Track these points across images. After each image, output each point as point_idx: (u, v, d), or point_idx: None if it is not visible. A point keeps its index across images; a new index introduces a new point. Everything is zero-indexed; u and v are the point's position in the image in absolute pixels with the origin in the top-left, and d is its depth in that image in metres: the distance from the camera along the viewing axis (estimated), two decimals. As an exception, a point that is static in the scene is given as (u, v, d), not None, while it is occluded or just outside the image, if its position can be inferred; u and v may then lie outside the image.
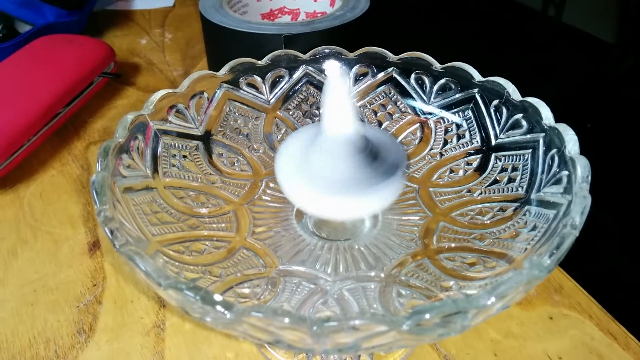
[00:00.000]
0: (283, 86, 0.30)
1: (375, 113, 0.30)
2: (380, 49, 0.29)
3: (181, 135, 0.27)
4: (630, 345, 0.26)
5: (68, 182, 0.37)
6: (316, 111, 0.31)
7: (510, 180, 0.25)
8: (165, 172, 0.26)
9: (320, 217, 0.25)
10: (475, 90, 0.27)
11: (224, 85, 0.28)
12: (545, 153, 0.23)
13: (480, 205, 0.26)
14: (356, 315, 0.15)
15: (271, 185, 0.28)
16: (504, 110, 0.26)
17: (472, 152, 0.27)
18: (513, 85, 0.25)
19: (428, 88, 0.28)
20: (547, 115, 0.23)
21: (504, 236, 0.23)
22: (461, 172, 0.27)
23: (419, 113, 0.29)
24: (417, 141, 0.29)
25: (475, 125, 0.27)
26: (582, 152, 0.21)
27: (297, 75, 0.30)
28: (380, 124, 0.30)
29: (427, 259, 0.24)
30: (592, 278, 0.30)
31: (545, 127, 0.23)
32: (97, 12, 0.62)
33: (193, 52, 0.55)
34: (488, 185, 0.26)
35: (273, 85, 0.30)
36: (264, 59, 0.29)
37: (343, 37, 0.37)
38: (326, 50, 0.29)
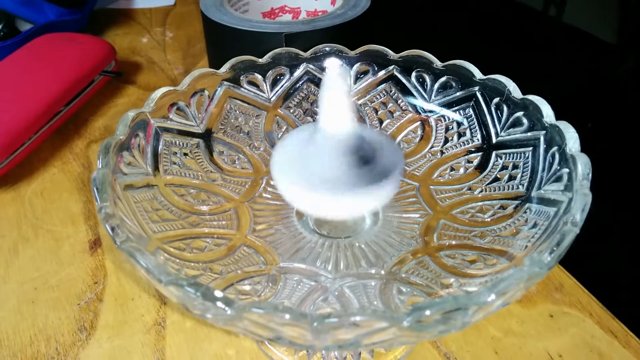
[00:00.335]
0: (284, 84, 0.30)
1: (376, 111, 0.30)
2: (381, 47, 0.29)
3: (182, 133, 0.27)
4: (630, 343, 0.26)
5: (69, 180, 0.37)
6: (317, 109, 0.31)
7: (511, 178, 0.25)
8: (166, 170, 0.26)
9: (318, 216, 0.25)
10: (476, 88, 0.27)
11: (225, 83, 0.28)
12: (546, 151, 0.23)
13: (480, 203, 0.26)
14: (357, 311, 0.15)
15: (272, 183, 0.28)
16: (505, 108, 0.26)
17: (472, 150, 0.27)
18: (514, 83, 0.25)
19: (429, 86, 0.28)
20: (547, 113, 0.23)
21: (505, 234, 0.23)
22: (462, 170, 0.27)
23: (420, 111, 0.29)
24: (417, 139, 0.29)
25: (476, 123, 0.27)
26: (583, 151, 0.21)
27: (298, 73, 0.30)
28: (381, 122, 0.30)
29: (428, 256, 0.24)
30: (592, 276, 0.30)
31: (546, 124, 0.23)
32: (98, 10, 0.62)
33: (194, 51, 0.55)
34: (489, 183, 0.26)
35: (274, 83, 0.30)
36: (265, 56, 0.29)
37: (344, 35, 0.37)
38: (327, 48, 0.29)
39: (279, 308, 0.15)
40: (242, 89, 0.29)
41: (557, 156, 0.22)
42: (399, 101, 0.29)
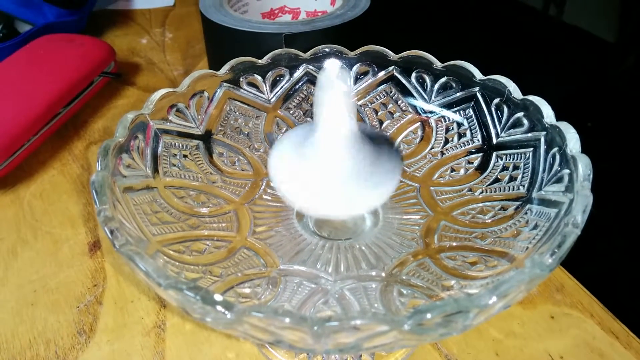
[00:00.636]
0: (284, 85, 0.30)
1: (376, 112, 0.30)
2: (381, 47, 0.29)
3: (181, 135, 0.27)
4: (632, 344, 0.26)
5: (68, 182, 0.37)
6: (315, 111, 0.31)
7: (512, 178, 0.25)
8: (166, 172, 0.26)
9: (317, 216, 0.25)
10: (476, 88, 0.27)
11: (225, 84, 0.28)
12: (547, 151, 0.23)
13: (481, 204, 0.25)
14: (357, 315, 0.15)
15: (272, 184, 0.28)
16: (505, 109, 0.26)
17: (473, 150, 0.27)
18: (514, 84, 0.25)
19: (429, 87, 0.28)
20: (548, 114, 0.23)
21: (505, 235, 0.23)
22: (462, 171, 0.27)
23: (420, 112, 0.29)
24: (418, 140, 0.29)
25: (476, 124, 0.27)
26: (583, 151, 0.21)
27: (297, 74, 0.30)
28: (381, 122, 0.30)
29: (428, 258, 0.24)
30: (593, 277, 0.30)
31: (547, 125, 0.23)
32: (97, 11, 0.62)
33: (193, 52, 0.55)
34: (489, 184, 0.26)
35: (274, 85, 0.30)
36: (265, 58, 0.29)
37: (344, 36, 0.37)
38: (327, 49, 0.29)
39: (279, 312, 0.15)
40: (242, 90, 0.29)
41: (557, 157, 0.22)
42: (399, 102, 0.29)
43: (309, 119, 0.30)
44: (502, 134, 0.26)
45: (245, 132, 0.29)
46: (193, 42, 0.57)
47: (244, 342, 0.26)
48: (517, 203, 0.24)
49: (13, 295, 0.29)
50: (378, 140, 0.22)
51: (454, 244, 0.24)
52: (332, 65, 0.19)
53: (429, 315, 0.15)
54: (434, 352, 0.26)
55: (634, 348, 0.26)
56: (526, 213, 0.23)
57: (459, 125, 0.28)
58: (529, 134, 0.24)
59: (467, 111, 0.27)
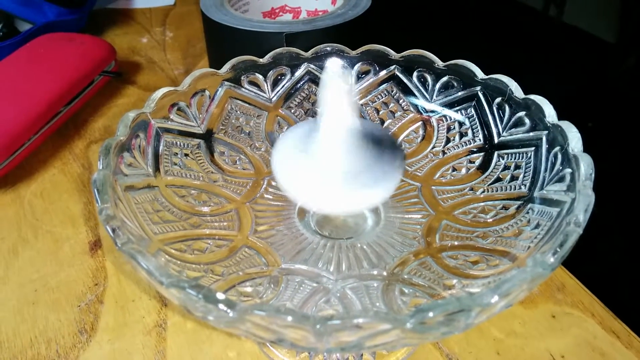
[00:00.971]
0: (285, 84, 0.30)
1: (378, 111, 0.30)
2: (382, 46, 0.29)
3: (183, 134, 0.27)
4: (633, 344, 0.26)
5: (69, 181, 0.37)
6: (318, 109, 0.30)
7: (513, 178, 0.25)
8: (167, 171, 0.26)
9: (320, 211, 0.25)
10: (478, 88, 0.27)
11: (226, 83, 0.28)
12: (548, 151, 0.23)
13: (482, 204, 0.25)
14: (359, 313, 0.15)
15: (273, 183, 0.28)
16: (507, 108, 0.26)
17: (474, 150, 0.27)
18: (515, 83, 0.25)
19: (430, 86, 0.28)
20: (550, 113, 0.23)
21: (507, 234, 0.23)
22: (464, 170, 0.27)
23: (422, 111, 0.29)
24: (419, 139, 0.29)
25: (477, 123, 0.27)
26: (584, 151, 0.21)
27: (298, 73, 0.29)
28: (382, 122, 0.30)
29: (430, 257, 0.24)
30: (594, 276, 0.30)
31: (548, 124, 0.23)
32: (98, 10, 0.62)
33: (194, 51, 0.55)
34: (491, 184, 0.26)
35: (275, 84, 0.29)
36: (266, 56, 0.29)
37: (345, 35, 0.37)
38: (328, 48, 0.29)
39: (281, 310, 0.15)
40: (243, 89, 0.29)
41: (559, 156, 0.22)
42: (401, 101, 0.29)
43: (310, 118, 0.30)
44: (504, 133, 0.26)
45: (246, 131, 0.29)
46: (193, 41, 0.57)
47: (245, 340, 0.26)
48: (519, 202, 0.24)
49: (14, 294, 0.29)
50: (381, 138, 0.22)
51: (456, 243, 0.24)
52: (335, 64, 0.19)
53: (431, 314, 0.15)
54: (435, 351, 0.26)
55: (635, 347, 0.26)
56: (528, 212, 0.23)
57: (461, 124, 0.28)
58: (531, 133, 0.24)
59: (468, 110, 0.27)
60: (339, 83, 0.19)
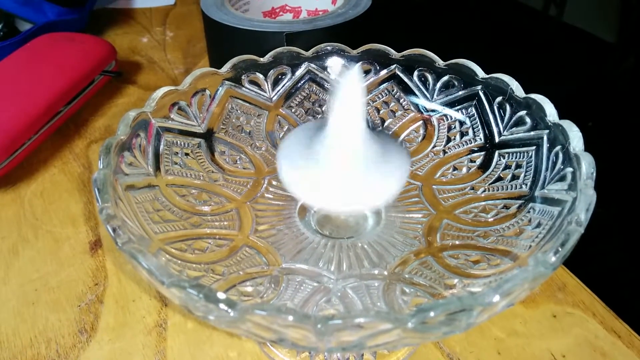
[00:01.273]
0: (285, 84, 0.30)
1: (378, 110, 0.30)
2: (383, 46, 0.29)
3: (183, 133, 0.27)
4: (634, 343, 0.26)
5: (69, 180, 0.37)
6: (318, 109, 0.31)
7: (514, 177, 0.25)
8: (168, 170, 0.26)
9: (323, 210, 0.25)
10: (479, 87, 0.27)
11: (226, 82, 0.28)
12: (550, 150, 0.23)
13: (483, 203, 0.25)
14: (361, 313, 0.15)
15: (274, 183, 0.28)
16: (508, 107, 0.26)
17: (475, 149, 0.27)
18: (516, 82, 0.25)
19: (431, 85, 0.28)
20: (551, 112, 0.23)
21: (508, 233, 0.23)
22: (464, 170, 0.27)
23: (422, 110, 0.29)
24: (420, 139, 0.29)
25: (478, 123, 0.27)
26: (584, 150, 0.21)
27: (299, 72, 0.29)
28: (383, 121, 0.30)
29: (431, 256, 0.24)
30: (595, 276, 0.30)
31: (549, 123, 0.23)
32: (98, 10, 0.62)
33: (194, 51, 0.55)
34: (492, 183, 0.26)
35: (275, 83, 0.29)
36: (266, 56, 0.29)
37: (345, 34, 0.37)
38: (329, 48, 0.29)
39: (282, 310, 0.15)
40: (244, 88, 0.29)
41: (560, 155, 0.22)
42: (401, 100, 0.29)
43: (311, 117, 0.30)
44: (505, 133, 0.26)
45: (247, 131, 0.29)
46: (194, 40, 0.57)
47: (246, 340, 0.26)
48: (520, 201, 0.24)
49: (14, 294, 0.29)
50: (387, 141, 0.22)
51: (457, 242, 0.24)
52: (352, 70, 0.19)
53: (432, 314, 0.15)
54: (436, 350, 0.26)
55: (636, 347, 0.26)
56: (529, 211, 0.23)
57: (461, 123, 0.28)
58: (532, 133, 0.24)
59: (469, 109, 0.27)
60: (351, 85, 0.19)
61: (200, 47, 0.55)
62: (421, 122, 0.29)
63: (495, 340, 0.26)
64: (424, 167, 0.28)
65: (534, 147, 0.24)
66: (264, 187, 0.28)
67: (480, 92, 0.27)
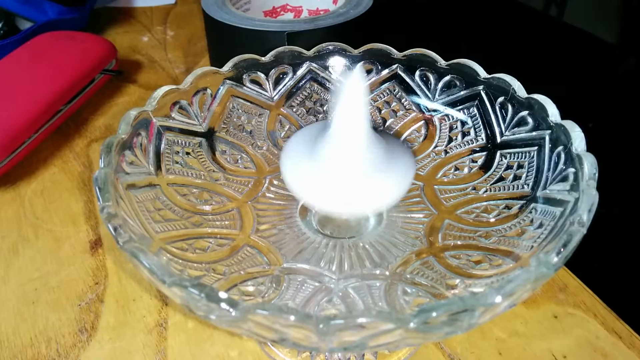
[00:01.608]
0: (287, 83, 0.29)
1: (380, 110, 0.30)
2: (385, 45, 0.29)
3: (184, 132, 0.27)
4: (635, 344, 0.26)
5: (69, 179, 0.37)
6: (320, 108, 0.30)
7: (516, 177, 0.25)
8: (169, 169, 0.25)
9: (325, 212, 0.25)
10: (481, 87, 0.27)
11: (228, 81, 0.28)
12: (552, 150, 0.23)
13: (485, 203, 0.25)
14: (363, 313, 0.15)
15: (275, 182, 0.28)
16: (510, 108, 0.26)
17: (477, 149, 0.27)
18: (518, 82, 0.25)
19: (433, 85, 0.28)
20: (553, 112, 0.23)
21: (510, 234, 0.23)
22: (466, 170, 0.27)
23: (424, 110, 0.29)
24: (421, 138, 0.29)
25: (480, 123, 0.27)
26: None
27: (300, 72, 0.29)
28: (384, 121, 0.30)
29: (433, 256, 0.24)
30: (596, 276, 0.30)
31: (552, 124, 0.23)
32: (99, 9, 0.62)
33: (195, 50, 0.55)
34: (493, 183, 0.26)
35: (277, 82, 0.29)
36: (268, 55, 0.29)
37: (346, 34, 0.37)
38: (330, 47, 0.29)
39: (284, 309, 0.15)
40: (245, 87, 0.29)
41: (562, 156, 0.22)
42: (403, 100, 0.29)
43: (312, 117, 0.30)
44: (507, 133, 0.26)
45: (248, 130, 0.29)
46: (194, 40, 0.57)
47: (247, 340, 0.26)
48: (522, 202, 0.24)
49: (14, 294, 0.29)
50: (392, 142, 0.22)
51: (458, 242, 0.24)
52: (356, 71, 0.19)
53: (434, 314, 0.15)
54: (437, 351, 0.26)
55: (637, 348, 0.26)
56: (531, 212, 0.23)
57: (463, 123, 0.28)
58: (534, 133, 0.24)
59: (471, 110, 0.27)
60: (354, 86, 0.19)
61: (200, 46, 0.55)
62: (423, 122, 0.29)
63: (497, 341, 0.26)
64: (426, 167, 0.28)
65: (536, 148, 0.24)
66: (265, 186, 0.28)
67: (482, 92, 0.27)
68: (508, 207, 0.24)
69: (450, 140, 0.28)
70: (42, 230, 0.33)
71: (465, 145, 0.28)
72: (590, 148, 0.21)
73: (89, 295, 0.29)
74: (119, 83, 0.48)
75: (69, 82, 0.41)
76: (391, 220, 0.26)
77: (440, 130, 0.28)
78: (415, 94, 0.29)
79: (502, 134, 0.26)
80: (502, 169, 0.26)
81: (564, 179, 0.22)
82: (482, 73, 0.26)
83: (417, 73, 0.28)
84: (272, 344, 0.25)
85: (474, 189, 0.26)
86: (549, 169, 0.23)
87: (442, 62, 0.28)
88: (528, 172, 0.24)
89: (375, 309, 0.22)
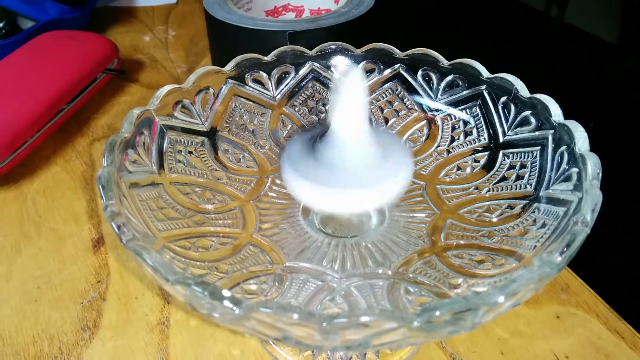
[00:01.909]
0: (289, 82, 0.29)
1: (382, 110, 0.30)
2: (387, 45, 0.29)
3: (187, 131, 0.27)
4: (637, 344, 0.26)
5: (72, 178, 0.37)
6: (322, 107, 0.30)
7: (519, 177, 0.25)
8: (171, 168, 0.25)
9: (326, 211, 0.25)
10: (483, 87, 0.27)
11: (230, 81, 0.28)
12: (555, 150, 0.23)
13: (488, 203, 0.25)
14: (366, 311, 0.15)
15: (277, 181, 0.28)
16: (512, 107, 0.26)
17: (479, 149, 0.27)
18: (521, 82, 0.25)
19: (435, 85, 0.28)
20: (556, 112, 0.23)
21: (513, 233, 0.23)
22: (468, 169, 0.27)
23: (426, 110, 0.29)
24: (424, 138, 0.29)
25: (482, 122, 0.27)
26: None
27: (303, 71, 0.29)
28: (386, 121, 0.30)
29: (435, 256, 0.24)
30: (598, 276, 0.30)
31: (555, 124, 0.23)
32: (100, 8, 0.62)
33: (197, 49, 0.55)
34: (496, 183, 0.26)
35: (279, 82, 0.29)
36: (270, 54, 0.29)
37: (348, 34, 0.37)
38: (332, 47, 0.29)
39: (288, 308, 0.15)
40: (247, 87, 0.29)
41: (565, 155, 0.22)
42: (405, 100, 0.29)
43: (314, 116, 0.30)
44: (509, 133, 0.26)
45: (250, 129, 0.29)
46: (196, 39, 0.57)
47: (249, 338, 0.26)
48: (525, 202, 0.24)
49: (17, 292, 0.29)
50: (389, 140, 0.22)
51: (461, 242, 0.24)
52: (352, 69, 0.19)
53: (438, 313, 0.15)
54: (439, 350, 0.26)
55: (639, 348, 0.26)
56: (534, 212, 0.23)
57: (466, 123, 0.28)
58: (537, 133, 0.24)
59: (473, 109, 0.27)
60: (352, 85, 0.19)
61: (202, 45, 0.55)
62: (425, 121, 0.29)
63: (499, 341, 0.26)
64: (428, 167, 0.28)
65: (538, 147, 0.24)
66: (267, 185, 0.28)
67: (484, 91, 0.27)
68: (511, 207, 0.24)
69: (452, 140, 0.28)
70: (44, 228, 0.33)
71: (467, 145, 0.28)
72: (590, 148, 0.21)
73: (92, 294, 0.29)
74: (121, 82, 0.48)
75: (71, 81, 0.41)
76: (393, 220, 0.26)
77: (443, 129, 0.28)
78: (418, 93, 0.29)
79: (504, 134, 0.26)
80: (505, 168, 0.26)
81: (567, 178, 0.22)
82: (485, 73, 0.26)
83: (420, 73, 0.28)
84: (274, 342, 0.25)
85: (477, 188, 0.26)
86: (552, 169, 0.23)
87: (444, 62, 0.28)
88: (531, 171, 0.24)
89: (378, 307, 0.22)
